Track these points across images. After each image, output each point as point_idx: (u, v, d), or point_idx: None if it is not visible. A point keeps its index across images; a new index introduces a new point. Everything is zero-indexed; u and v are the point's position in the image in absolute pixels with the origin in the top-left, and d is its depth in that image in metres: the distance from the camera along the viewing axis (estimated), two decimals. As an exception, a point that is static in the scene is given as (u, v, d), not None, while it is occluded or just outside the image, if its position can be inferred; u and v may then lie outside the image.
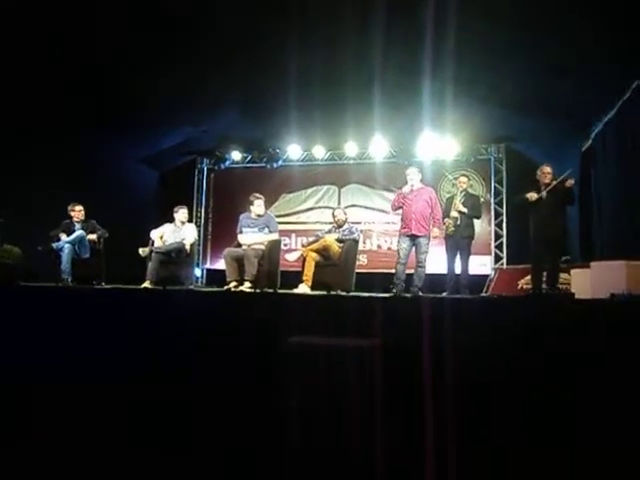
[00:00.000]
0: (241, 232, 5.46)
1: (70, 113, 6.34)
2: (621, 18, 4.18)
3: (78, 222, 5.97)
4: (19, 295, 3.91)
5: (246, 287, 4.94)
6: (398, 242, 5.39)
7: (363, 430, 2.15)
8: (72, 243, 5.67)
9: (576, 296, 4.67)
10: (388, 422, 2.17)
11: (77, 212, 5.97)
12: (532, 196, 5.04)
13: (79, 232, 5.80)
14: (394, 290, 5.17)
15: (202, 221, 9.57)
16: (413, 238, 5.22)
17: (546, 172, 5.03)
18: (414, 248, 5.26)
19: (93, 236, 5.94)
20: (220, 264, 7.83)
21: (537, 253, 5.08)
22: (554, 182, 4.94)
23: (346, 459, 2.11)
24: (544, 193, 4.97)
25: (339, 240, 5.46)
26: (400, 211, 5.39)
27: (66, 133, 6.72)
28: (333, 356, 2.31)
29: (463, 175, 6.32)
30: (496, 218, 8.20)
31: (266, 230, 5.40)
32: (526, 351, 2.34)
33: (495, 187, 8.25)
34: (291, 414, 2.25)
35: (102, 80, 5.77)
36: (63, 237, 5.70)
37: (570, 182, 4.89)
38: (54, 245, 5.63)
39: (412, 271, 5.28)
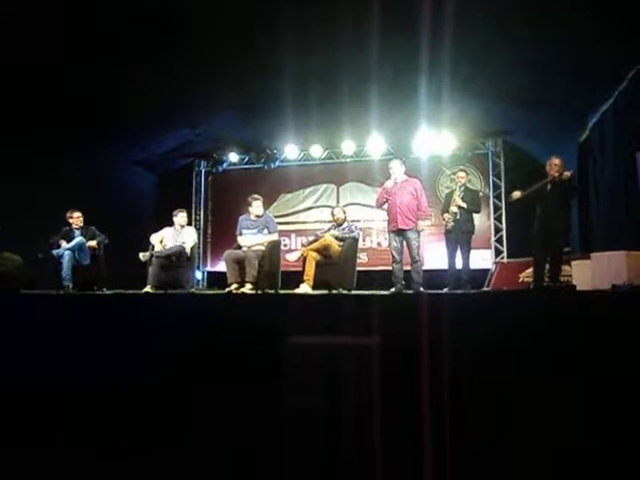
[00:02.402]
0: (241, 234, 5.45)
1: (66, 118, 6.32)
2: (616, 7, 4.17)
3: (77, 229, 5.97)
4: (20, 303, 3.90)
5: (247, 289, 4.94)
6: (388, 241, 5.32)
7: (364, 429, 2.15)
8: (72, 250, 5.67)
9: (577, 288, 4.69)
10: (388, 421, 2.16)
11: (75, 219, 5.97)
12: (511, 197, 5.26)
13: (79, 239, 5.80)
14: (394, 290, 5.14)
15: (201, 224, 9.57)
16: (401, 233, 5.13)
17: (553, 164, 4.96)
18: (405, 244, 5.17)
19: (93, 242, 5.93)
20: (221, 266, 7.84)
21: (539, 246, 5.06)
22: (555, 175, 4.92)
23: (345, 457, 2.11)
24: (548, 185, 4.97)
25: (339, 239, 5.45)
26: (386, 207, 5.30)
27: (63, 138, 6.69)
28: (335, 355, 2.30)
29: (461, 170, 6.30)
30: (495, 212, 8.20)
31: (265, 231, 5.39)
32: (529, 346, 2.33)
33: (494, 181, 8.24)
34: (291, 414, 2.25)
35: (97, 83, 5.74)
36: (63, 244, 5.70)
37: (566, 174, 4.87)
38: (54, 252, 5.63)
39: (409, 268, 5.20)
